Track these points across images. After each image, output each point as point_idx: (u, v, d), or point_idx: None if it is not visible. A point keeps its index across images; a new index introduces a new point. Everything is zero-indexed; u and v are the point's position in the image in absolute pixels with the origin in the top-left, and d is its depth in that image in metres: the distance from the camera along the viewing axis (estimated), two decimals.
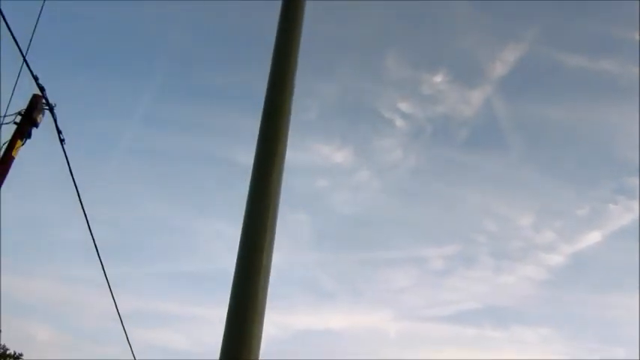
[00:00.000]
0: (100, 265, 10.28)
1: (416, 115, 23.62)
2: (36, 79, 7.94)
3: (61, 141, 8.40)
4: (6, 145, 8.05)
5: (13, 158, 8.07)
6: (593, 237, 23.00)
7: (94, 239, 9.71)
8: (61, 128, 8.58)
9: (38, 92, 8.23)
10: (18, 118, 8.16)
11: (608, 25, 21.46)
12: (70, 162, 8.63)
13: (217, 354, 2.47)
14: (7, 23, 6.85)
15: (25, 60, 7.51)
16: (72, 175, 8.71)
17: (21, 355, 26.13)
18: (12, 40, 7.08)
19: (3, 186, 8.03)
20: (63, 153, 8.69)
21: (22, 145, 8.19)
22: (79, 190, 8.87)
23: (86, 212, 9.25)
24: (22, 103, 8.33)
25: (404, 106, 23.25)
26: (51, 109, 8.32)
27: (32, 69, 7.74)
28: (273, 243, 2.63)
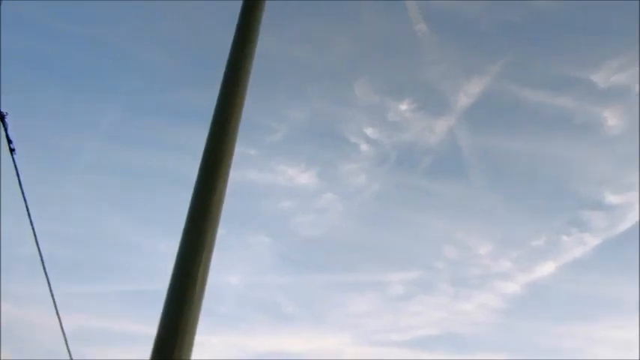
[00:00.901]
0: (47, 283, 9.90)
1: (382, 141, 23.97)
2: None
3: (11, 151, 8.12)
4: None
5: None
6: (548, 267, 23.57)
7: (41, 255, 9.37)
8: (12, 138, 8.31)
9: None
10: None
11: (566, 65, 22.35)
12: (20, 174, 8.35)
13: None
14: None
15: None
16: (21, 187, 8.42)
17: None
18: None
19: None
20: (13, 164, 8.41)
21: None
22: (28, 203, 8.56)
23: (34, 227, 8.92)
24: None
25: (370, 132, 23.58)
26: (2, 118, 8.06)
27: None
28: (212, 253, 2.56)
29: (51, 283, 10.06)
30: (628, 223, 21.91)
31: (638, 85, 20.45)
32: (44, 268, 9.66)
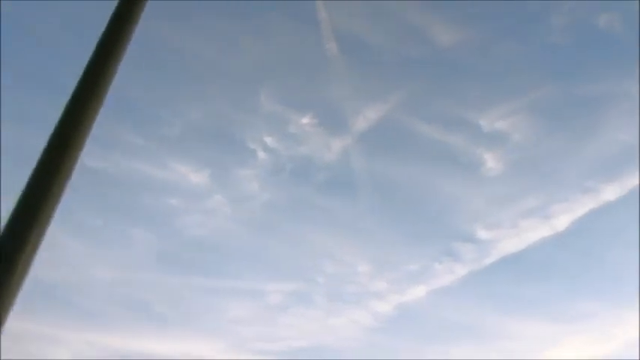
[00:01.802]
0: None
1: (279, 151, 24.03)
2: None
3: None
4: None
5: None
6: (419, 291, 24.82)
7: None
8: None
9: None
10: None
11: (458, 106, 23.88)
12: None
13: None
14: None
15: None
16: None
17: None
18: None
19: None
20: None
21: None
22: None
23: None
24: None
25: (269, 141, 23.55)
26: None
27: None
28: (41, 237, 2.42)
29: None
30: (493, 257, 23.71)
31: (516, 132, 22.33)
32: None
